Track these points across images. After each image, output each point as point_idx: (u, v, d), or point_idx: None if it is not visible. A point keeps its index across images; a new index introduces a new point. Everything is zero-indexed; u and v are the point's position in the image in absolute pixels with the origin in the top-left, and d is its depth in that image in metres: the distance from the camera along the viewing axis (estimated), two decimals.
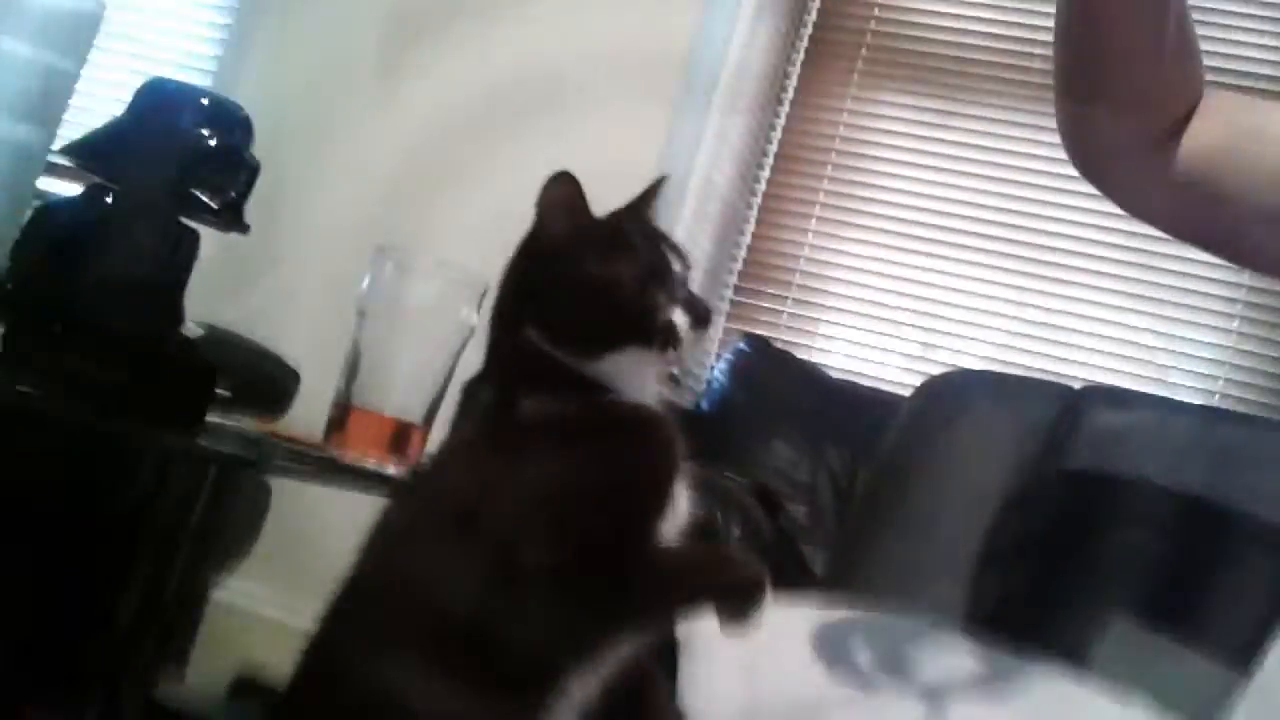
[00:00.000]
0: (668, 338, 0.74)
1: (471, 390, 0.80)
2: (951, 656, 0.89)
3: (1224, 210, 0.90)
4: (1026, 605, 1.22)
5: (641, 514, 0.72)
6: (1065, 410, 1.32)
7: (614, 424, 0.74)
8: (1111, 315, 2.18)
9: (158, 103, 0.96)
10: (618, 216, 0.81)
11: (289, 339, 1.91)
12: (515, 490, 0.70)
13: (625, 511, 0.72)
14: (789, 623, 0.95)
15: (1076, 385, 1.45)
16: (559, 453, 0.72)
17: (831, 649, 0.91)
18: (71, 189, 0.92)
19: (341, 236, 2.14)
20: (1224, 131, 0.90)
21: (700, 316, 0.76)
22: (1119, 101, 0.91)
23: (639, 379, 0.76)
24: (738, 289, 2.44)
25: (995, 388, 1.39)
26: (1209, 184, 0.90)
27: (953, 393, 1.33)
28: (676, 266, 0.77)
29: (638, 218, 0.82)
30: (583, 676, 0.70)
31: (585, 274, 0.75)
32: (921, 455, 1.30)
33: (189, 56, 2.57)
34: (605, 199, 2.24)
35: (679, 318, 0.75)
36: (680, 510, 0.75)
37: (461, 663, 0.68)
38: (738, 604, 0.70)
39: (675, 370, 0.77)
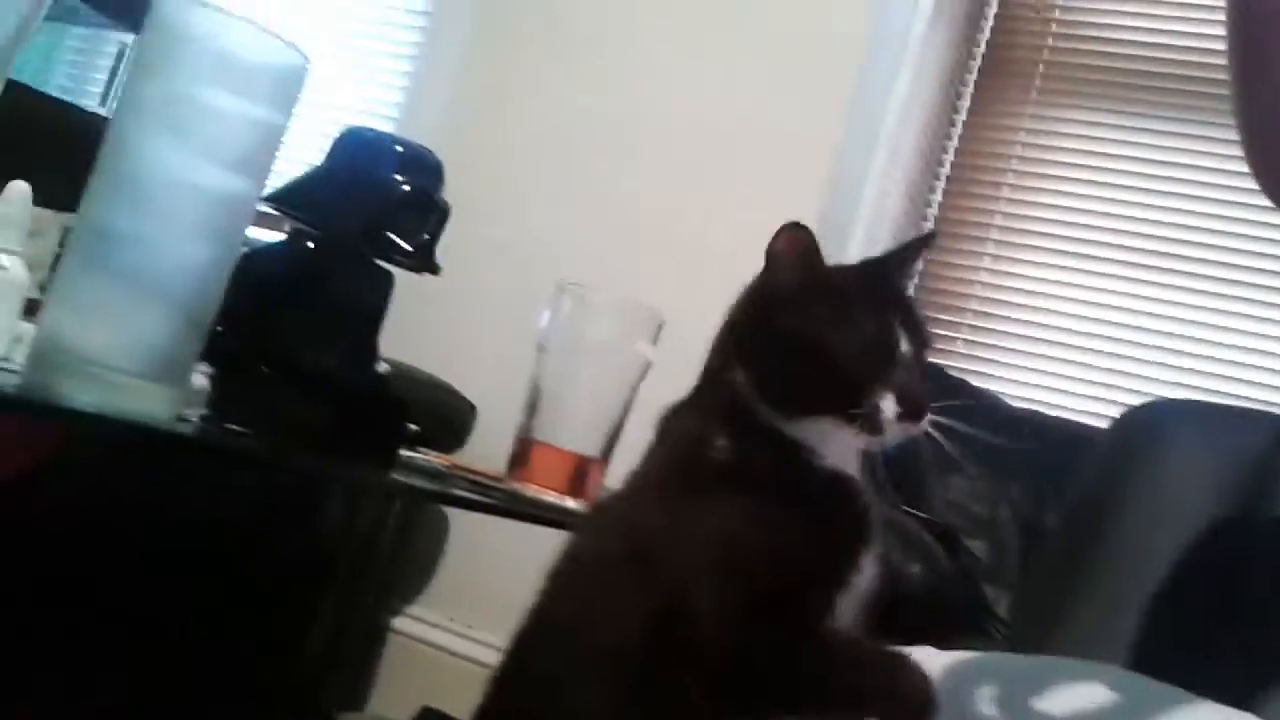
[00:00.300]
0: (870, 423, 0.70)
1: (670, 419, 0.79)
2: (1084, 689, 0.83)
3: None
4: (1227, 655, 1.14)
5: (821, 584, 0.69)
6: (1278, 440, 1.22)
7: (807, 485, 0.71)
8: None
9: (354, 150, 1.00)
10: (860, 273, 0.77)
11: (467, 375, 1.96)
12: (696, 534, 0.69)
13: (805, 578, 0.69)
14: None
15: None
16: (746, 503, 0.69)
17: (951, 699, 0.86)
18: (275, 236, 0.96)
19: (519, 273, 2.19)
20: None
21: (912, 411, 0.71)
22: None
23: (836, 446, 0.72)
24: None
25: (1202, 417, 1.30)
26: None
27: (1156, 422, 1.24)
28: (905, 346, 0.72)
29: (884, 278, 0.78)
30: None
31: (802, 332, 0.72)
32: (1123, 490, 1.22)
33: (373, 103, 2.67)
34: (774, 228, 2.22)
35: (888, 405, 0.70)
36: (863, 586, 0.71)
37: (635, 703, 0.67)
38: (901, 714, 0.66)
39: (875, 449, 0.72)
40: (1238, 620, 1.16)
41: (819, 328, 0.71)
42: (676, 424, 0.78)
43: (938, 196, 2.39)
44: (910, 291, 0.75)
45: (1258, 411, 1.46)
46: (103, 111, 2.61)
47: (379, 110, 2.64)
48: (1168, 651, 1.07)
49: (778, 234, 0.74)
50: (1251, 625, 1.15)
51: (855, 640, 0.71)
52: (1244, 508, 1.22)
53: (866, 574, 0.71)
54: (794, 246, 0.74)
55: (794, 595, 0.68)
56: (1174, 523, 1.16)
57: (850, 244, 2.18)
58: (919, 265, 0.83)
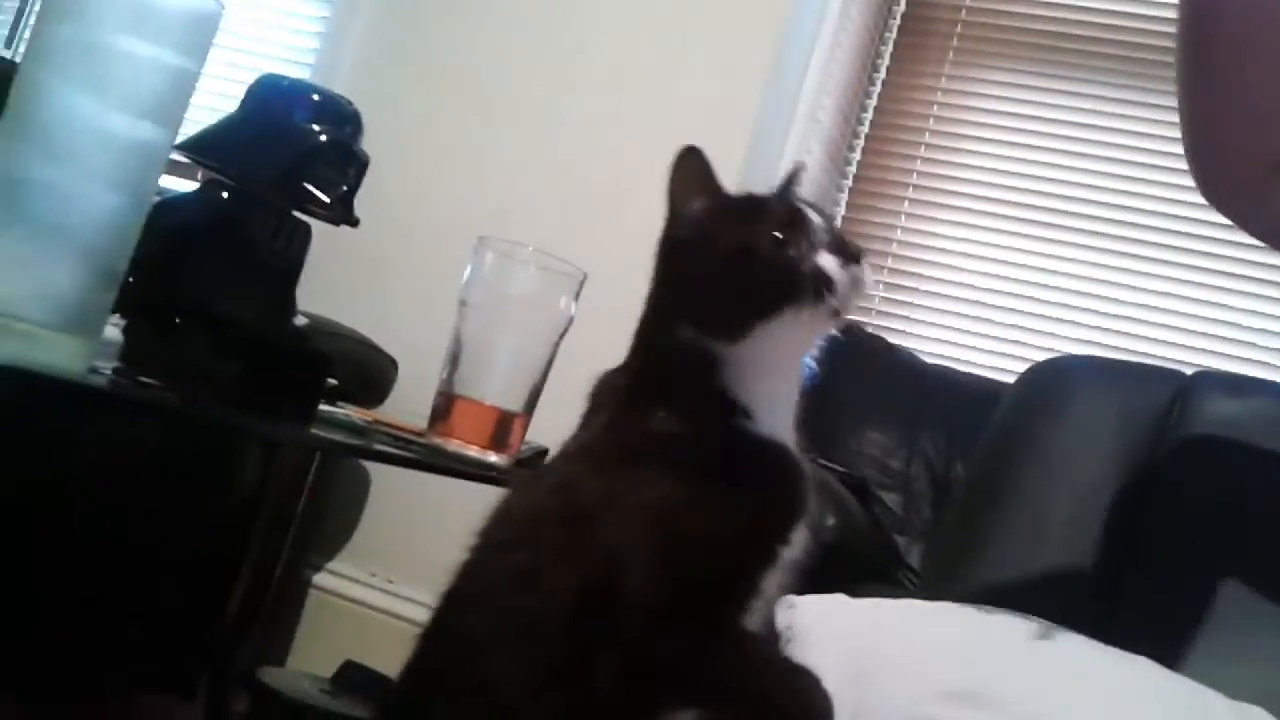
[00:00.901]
0: (819, 284, 0.70)
1: (606, 386, 0.78)
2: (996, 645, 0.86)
3: None
4: (1135, 595, 1.19)
5: (750, 572, 0.69)
6: (1177, 397, 1.28)
7: (746, 457, 0.70)
8: (1216, 298, 2.12)
9: (270, 99, 0.98)
10: (747, 191, 0.78)
11: (388, 330, 1.94)
12: (632, 508, 0.67)
13: (736, 564, 0.68)
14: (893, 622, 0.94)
15: (1186, 371, 1.40)
16: (684, 479, 0.68)
17: None
18: (189, 185, 0.94)
19: (440, 227, 2.17)
20: None
21: (850, 253, 0.72)
22: (1243, 122, 0.89)
23: (801, 347, 0.73)
24: None
25: (1104, 373, 1.35)
26: None
27: (1060, 378, 1.29)
28: (815, 218, 0.73)
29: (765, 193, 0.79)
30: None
31: (721, 245, 0.72)
32: (1027, 443, 1.27)
33: (288, 49, 2.61)
34: None
35: (826, 260, 0.71)
36: (792, 558, 0.71)
37: (552, 675, 0.66)
38: None
39: (842, 319, 0.72)
40: (1132, 568, 1.22)
41: (735, 232, 0.72)
42: (614, 392, 0.76)
43: (856, 155, 2.42)
44: None
45: (1158, 368, 1.53)
46: (7, 54, 2.51)
47: (294, 58, 2.58)
48: (1068, 596, 1.12)
49: (672, 166, 0.75)
50: (1144, 573, 1.21)
51: (771, 649, 0.72)
52: (1141, 460, 1.28)
53: (797, 546, 0.71)
54: (689, 173, 0.75)
55: (721, 585, 0.67)
56: (1074, 474, 1.21)
57: None
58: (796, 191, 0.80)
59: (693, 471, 0.68)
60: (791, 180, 0.82)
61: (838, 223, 2.41)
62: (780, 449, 0.72)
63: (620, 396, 0.75)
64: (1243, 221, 1.00)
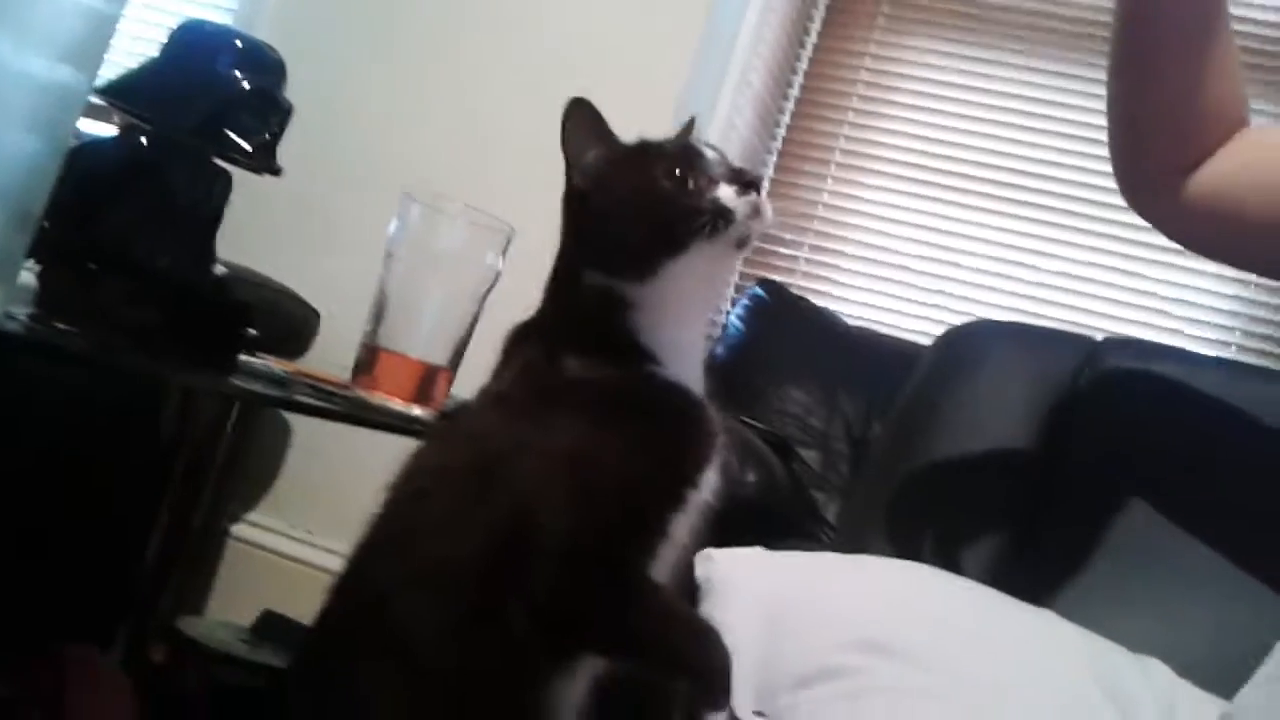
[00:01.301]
0: (718, 215, 0.72)
1: (518, 337, 0.79)
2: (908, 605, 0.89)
3: (1237, 231, 0.97)
4: (1042, 553, 1.24)
5: (660, 503, 0.70)
6: (1086, 361, 1.32)
7: (654, 403, 0.72)
8: (1129, 266, 2.18)
9: (192, 44, 0.96)
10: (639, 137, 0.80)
11: (311, 281, 1.92)
12: (542, 453, 0.69)
13: (646, 498, 0.70)
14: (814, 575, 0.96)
15: (1097, 336, 1.45)
16: (594, 424, 0.70)
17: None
18: (107, 130, 0.92)
19: (364, 178, 2.14)
20: (1243, 158, 0.96)
21: (746, 181, 0.74)
22: (1160, 124, 0.95)
23: (708, 285, 0.75)
24: None
25: (1016, 338, 1.40)
26: (1221, 208, 0.95)
27: (974, 342, 1.33)
28: (709, 153, 0.76)
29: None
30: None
31: (620, 189, 0.74)
32: (941, 404, 1.31)
33: None
34: (625, 138, 2.21)
35: (723, 190, 0.73)
36: (701, 502, 0.73)
37: (463, 621, 0.67)
38: (703, 688, 0.69)
39: (747, 248, 0.75)
40: (1040, 526, 1.26)
41: (636, 173, 0.74)
42: (524, 343, 0.78)
43: (786, 118, 2.44)
44: None
45: (1069, 334, 1.58)
46: None
47: (215, 2, 2.51)
48: (978, 554, 1.16)
49: (563, 118, 0.76)
50: (1052, 531, 1.25)
51: (676, 600, 0.72)
52: (1051, 422, 1.33)
53: (705, 491, 0.73)
54: (581, 124, 0.77)
55: (629, 528, 0.69)
56: (985, 435, 1.25)
57: None
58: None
59: (600, 417, 0.70)
60: (686, 129, 0.86)
61: (765, 183, 2.43)
62: (687, 394, 0.74)
63: (531, 346, 0.77)
64: (1159, 224, 1.06)
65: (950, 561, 1.17)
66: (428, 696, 0.67)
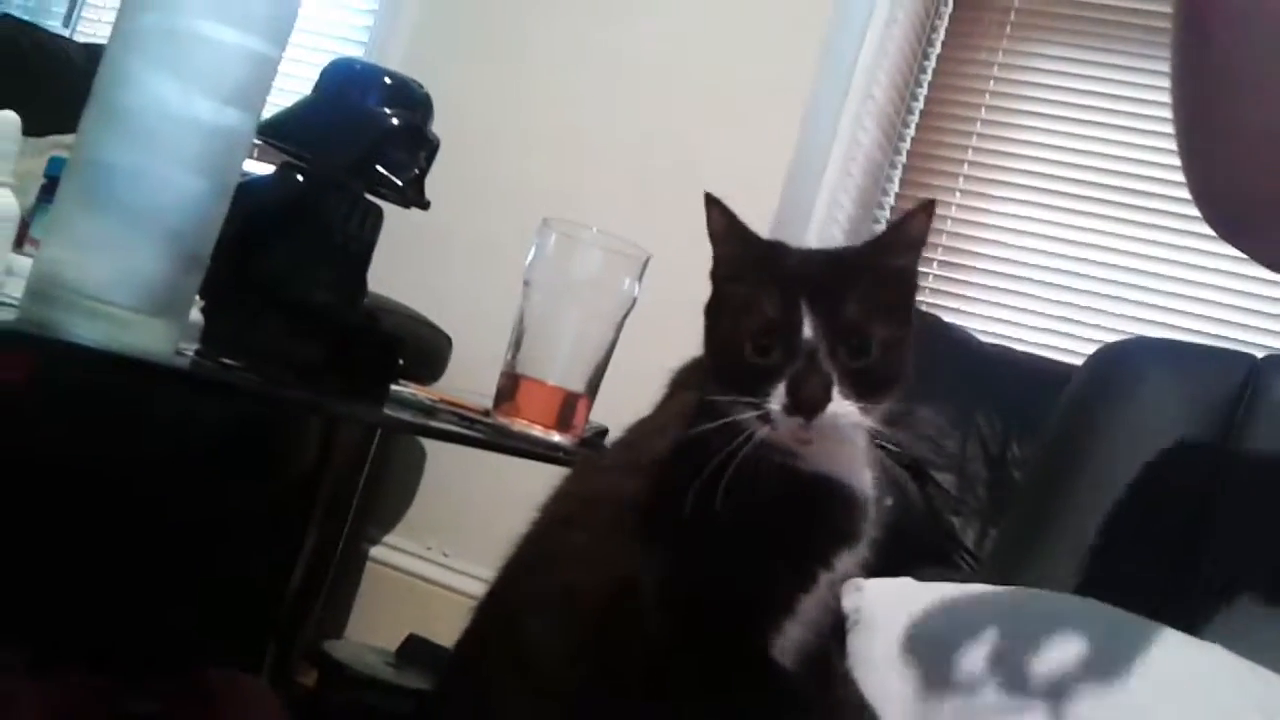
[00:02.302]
0: (762, 411, 0.65)
1: (682, 378, 0.79)
2: (1071, 643, 0.84)
3: None
4: (1208, 580, 1.18)
5: (779, 589, 0.68)
6: (1248, 380, 1.26)
7: (783, 495, 0.68)
8: (1274, 277, 2.08)
9: (343, 82, 0.98)
10: (786, 253, 0.73)
11: (444, 308, 1.95)
12: (659, 537, 0.68)
13: (751, 608, 0.67)
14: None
15: (1255, 353, 1.38)
16: (716, 519, 0.65)
17: (938, 642, 0.88)
18: (264, 168, 0.95)
19: (495, 207, 2.18)
20: None
21: (799, 405, 0.64)
22: (1252, 145, 0.78)
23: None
24: None
25: (1174, 356, 1.34)
26: None
27: (1129, 361, 1.28)
28: (808, 331, 0.65)
29: (813, 263, 0.73)
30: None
31: (720, 310, 0.71)
32: (1098, 426, 1.26)
33: (341, 27, 2.62)
34: (752, 163, 2.20)
35: (777, 396, 0.65)
36: (841, 575, 0.70)
37: (593, 644, 0.67)
38: None
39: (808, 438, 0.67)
40: (1204, 554, 1.21)
41: (730, 305, 0.70)
42: (685, 386, 0.77)
43: (911, 131, 2.39)
44: (866, 279, 0.68)
45: (1228, 351, 1.51)
46: (65, 32, 2.53)
47: (349, 35, 2.59)
48: (1139, 583, 1.11)
49: (707, 211, 0.73)
50: (1217, 560, 1.20)
51: (803, 679, 0.69)
52: (1213, 444, 1.27)
53: (848, 564, 0.70)
54: (715, 221, 0.73)
55: (735, 618, 0.66)
56: (1145, 457, 1.20)
57: (825, 177, 2.18)
58: (903, 252, 0.71)
59: (725, 511, 0.65)
60: (879, 244, 0.73)
61: (889, 202, 2.38)
62: (823, 480, 0.69)
63: (690, 392, 0.75)
64: (1254, 255, 0.93)
65: (1108, 593, 1.12)
66: (547, 716, 0.67)
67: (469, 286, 2.08)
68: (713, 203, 0.72)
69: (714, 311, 0.72)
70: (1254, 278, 2.09)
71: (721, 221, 0.73)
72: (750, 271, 0.71)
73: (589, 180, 2.19)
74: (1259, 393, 1.25)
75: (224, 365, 0.86)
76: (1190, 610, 1.10)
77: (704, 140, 2.17)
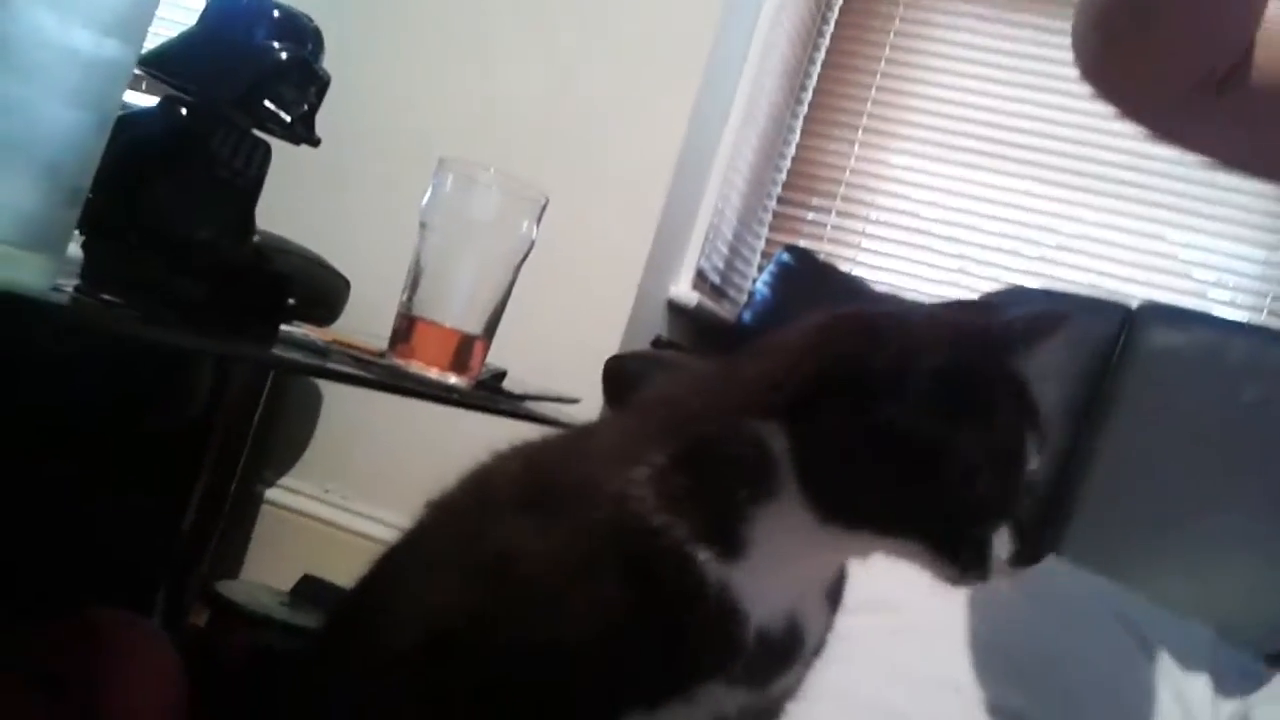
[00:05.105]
0: (973, 566, 0.50)
1: (630, 378, 0.62)
2: None
3: None
4: (1081, 524, 1.24)
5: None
6: (1123, 327, 1.32)
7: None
8: (1158, 230, 2.17)
9: (230, 14, 0.96)
10: (989, 349, 0.52)
11: (341, 248, 1.93)
12: (516, 552, 0.54)
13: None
14: None
15: (1130, 302, 1.44)
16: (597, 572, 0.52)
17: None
18: (144, 100, 0.92)
19: (390, 147, 2.14)
20: None
21: (1029, 554, 0.52)
22: (1176, 40, 0.77)
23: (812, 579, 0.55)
24: (781, 199, 2.43)
25: (1050, 304, 1.39)
26: None
27: (1006, 309, 1.32)
28: (1033, 462, 0.52)
29: (1008, 355, 0.53)
30: None
31: (916, 430, 0.49)
32: None
33: None
34: (655, 109, 2.20)
35: (1001, 545, 0.51)
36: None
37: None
38: None
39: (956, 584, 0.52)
40: (1079, 492, 1.27)
41: (943, 422, 0.50)
42: (648, 409, 0.58)
43: (812, 83, 2.42)
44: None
45: (1105, 301, 1.57)
46: None
47: None
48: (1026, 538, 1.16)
49: (961, 311, 0.54)
50: (1091, 497, 1.26)
51: None
52: (1090, 388, 1.32)
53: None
54: (966, 332, 0.52)
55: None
56: None
57: (728, 125, 2.20)
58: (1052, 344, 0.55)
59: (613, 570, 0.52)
60: (1041, 333, 0.55)
61: (790, 151, 2.41)
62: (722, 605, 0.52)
63: (646, 410, 0.58)
64: (1171, 139, 0.91)
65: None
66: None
67: (368, 229, 2.05)
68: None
69: (881, 426, 0.51)
70: (1124, 230, 2.17)
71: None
72: (970, 376, 0.52)
73: (489, 121, 2.17)
74: (1133, 339, 1.31)
75: (104, 302, 0.84)
76: (1061, 549, 1.16)
77: (606, 87, 2.16)
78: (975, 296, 1.57)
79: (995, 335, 0.53)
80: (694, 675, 0.52)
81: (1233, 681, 0.80)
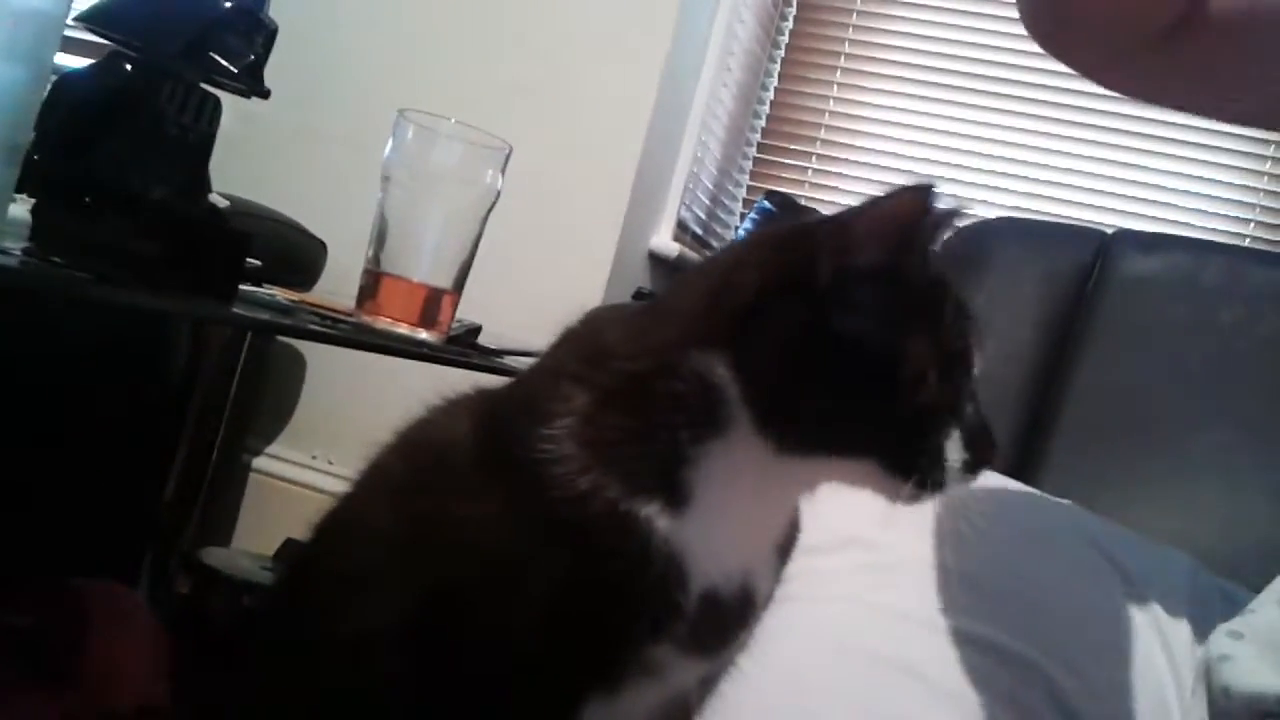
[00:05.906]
0: (930, 474, 0.49)
1: (593, 329, 0.54)
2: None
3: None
4: (1056, 454, 1.24)
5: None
6: (1098, 255, 1.30)
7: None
8: (1139, 159, 2.16)
9: None
10: (939, 261, 0.52)
11: (316, 212, 1.90)
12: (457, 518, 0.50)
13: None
14: None
15: (1107, 230, 1.43)
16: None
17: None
18: (83, 62, 0.90)
19: (368, 106, 2.11)
20: None
21: (982, 457, 0.50)
22: None
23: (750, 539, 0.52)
24: (761, 145, 2.40)
25: (1026, 235, 1.38)
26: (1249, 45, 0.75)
27: (981, 241, 1.31)
28: (978, 366, 0.52)
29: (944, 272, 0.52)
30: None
31: (869, 335, 0.47)
32: None
33: None
34: (628, 55, 2.17)
35: (954, 449, 0.49)
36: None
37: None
38: None
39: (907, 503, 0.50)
40: (1053, 425, 1.26)
41: (896, 330, 0.48)
42: (586, 352, 0.52)
43: (789, 24, 2.39)
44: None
45: (1078, 228, 1.56)
46: None
47: None
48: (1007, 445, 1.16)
49: (896, 194, 0.48)
50: (1065, 431, 1.25)
51: None
52: (1064, 317, 1.31)
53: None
54: (905, 219, 0.49)
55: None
56: (996, 335, 1.23)
57: (704, 71, 2.17)
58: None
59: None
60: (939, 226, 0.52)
61: (768, 96, 2.38)
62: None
63: (579, 368, 0.51)
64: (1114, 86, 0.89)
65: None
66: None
67: (340, 190, 2.02)
68: (921, 192, 0.49)
69: (836, 336, 0.49)
70: (1105, 160, 2.16)
71: (916, 219, 0.50)
72: (927, 281, 0.51)
73: (458, 73, 2.13)
74: (1108, 267, 1.30)
75: (53, 265, 0.82)
76: (1040, 482, 1.15)
77: (577, 30, 2.13)
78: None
79: (925, 227, 0.50)
80: (647, 640, 0.49)
81: (1211, 606, 0.79)
